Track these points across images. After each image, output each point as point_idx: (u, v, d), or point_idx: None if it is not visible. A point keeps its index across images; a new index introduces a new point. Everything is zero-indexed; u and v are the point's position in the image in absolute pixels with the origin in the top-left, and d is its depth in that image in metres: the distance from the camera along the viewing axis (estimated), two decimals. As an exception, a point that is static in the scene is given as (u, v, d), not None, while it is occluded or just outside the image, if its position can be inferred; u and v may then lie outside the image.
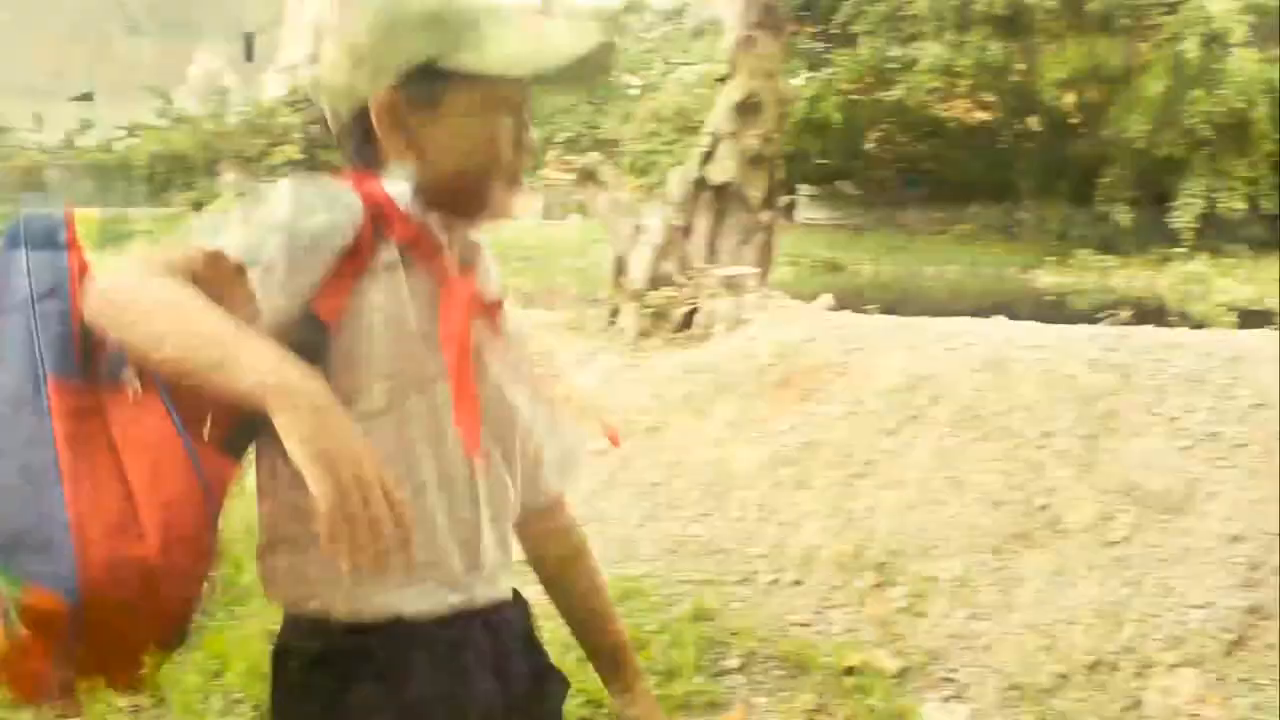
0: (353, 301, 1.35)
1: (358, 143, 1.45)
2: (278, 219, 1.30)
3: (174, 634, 1.34)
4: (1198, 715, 3.36)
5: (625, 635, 1.70)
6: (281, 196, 1.35)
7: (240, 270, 1.26)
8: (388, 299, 1.37)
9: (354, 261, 1.35)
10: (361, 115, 1.42)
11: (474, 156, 1.43)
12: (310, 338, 1.32)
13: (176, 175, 34.78)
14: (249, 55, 44.07)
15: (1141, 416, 4.24)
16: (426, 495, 1.39)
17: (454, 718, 1.42)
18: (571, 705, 1.98)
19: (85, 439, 1.27)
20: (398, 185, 1.42)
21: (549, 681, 1.60)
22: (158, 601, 1.29)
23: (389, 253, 1.37)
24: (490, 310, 1.50)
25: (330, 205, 1.35)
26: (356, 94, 1.43)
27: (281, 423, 1.14)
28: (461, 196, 1.44)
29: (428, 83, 1.40)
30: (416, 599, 1.39)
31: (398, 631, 1.38)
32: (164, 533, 1.26)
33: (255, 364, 1.16)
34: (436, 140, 1.41)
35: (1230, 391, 4.21)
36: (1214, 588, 3.65)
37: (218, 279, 1.26)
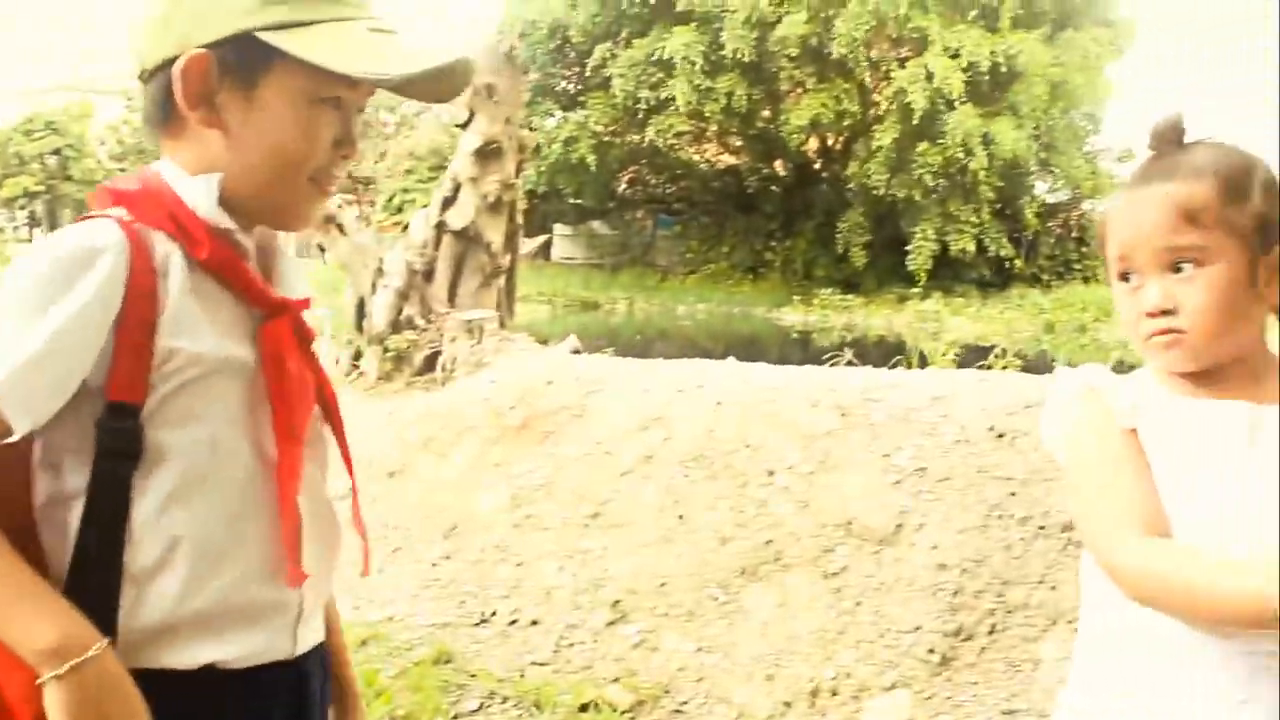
0: (152, 363, 1.26)
1: (159, 110, 1.36)
2: (20, 352, 1.19)
3: None
4: (908, 734, 3.54)
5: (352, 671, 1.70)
6: (17, 303, 1.22)
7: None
8: (191, 339, 1.28)
9: (136, 320, 1.25)
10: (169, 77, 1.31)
11: (284, 152, 1.35)
12: (119, 423, 1.26)
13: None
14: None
15: (857, 453, 4.42)
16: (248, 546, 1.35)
17: None
18: None
19: None
20: (199, 187, 1.33)
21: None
22: None
23: (181, 280, 1.29)
24: (306, 330, 1.45)
25: (80, 278, 1.22)
26: (168, 44, 1.32)
27: (55, 699, 1.14)
28: (264, 196, 1.37)
29: (249, 56, 1.30)
30: (232, 647, 1.35)
31: (210, 679, 1.33)
32: None
33: (31, 631, 1.15)
34: (246, 124, 1.33)
35: (938, 429, 4.44)
36: (922, 613, 3.82)
37: None
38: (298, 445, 1.36)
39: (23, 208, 39.49)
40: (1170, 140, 1.57)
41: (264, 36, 1.30)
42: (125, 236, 1.26)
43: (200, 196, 1.33)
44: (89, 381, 1.25)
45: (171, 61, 1.31)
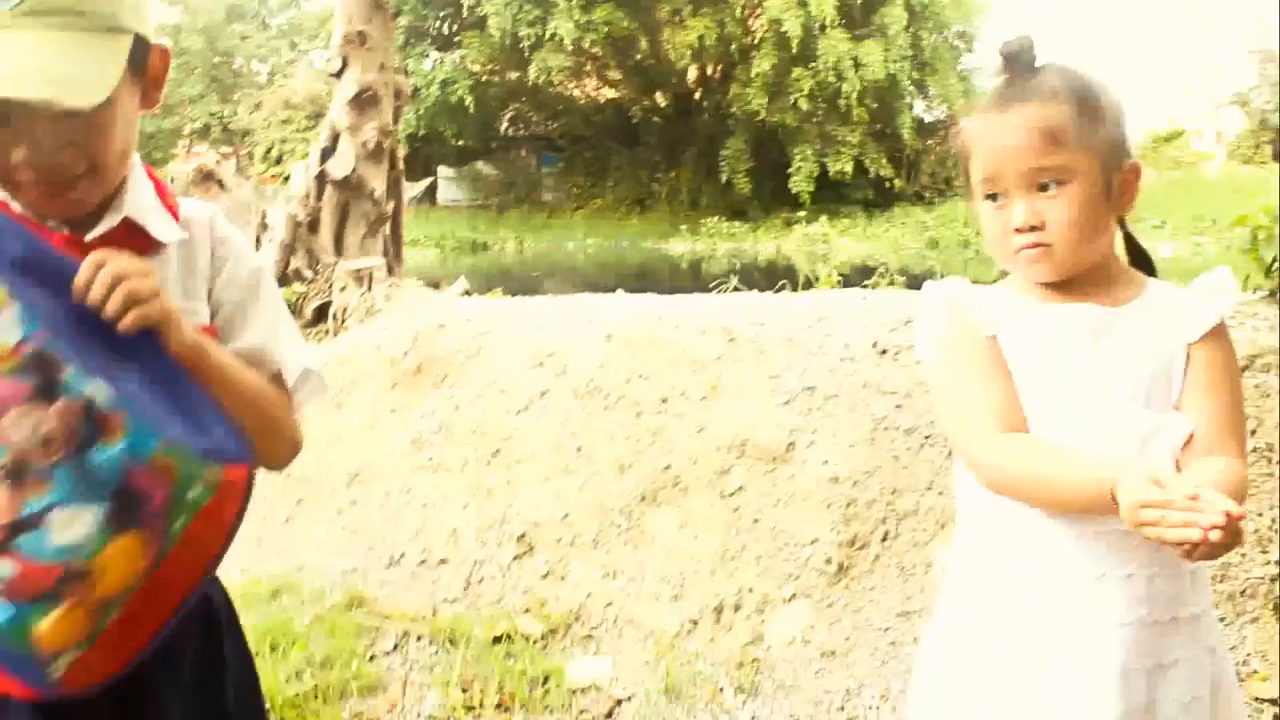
0: None
1: None
2: None
3: None
4: (810, 641, 3.64)
5: None
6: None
7: None
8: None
9: None
10: None
11: None
12: None
13: None
14: None
15: (746, 377, 4.50)
16: None
17: None
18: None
19: None
20: None
21: None
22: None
23: None
24: None
25: None
26: None
27: None
28: None
29: None
30: None
31: None
32: None
33: None
34: None
35: (823, 348, 4.52)
36: (818, 525, 3.90)
37: None
38: None
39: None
40: (1024, 63, 1.64)
41: None
42: None
43: None
44: None
45: None
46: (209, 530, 1.29)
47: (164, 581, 1.28)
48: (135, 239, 1.46)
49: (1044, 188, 1.58)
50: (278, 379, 1.56)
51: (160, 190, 1.54)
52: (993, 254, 1.68)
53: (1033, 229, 1.59)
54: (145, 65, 1.46)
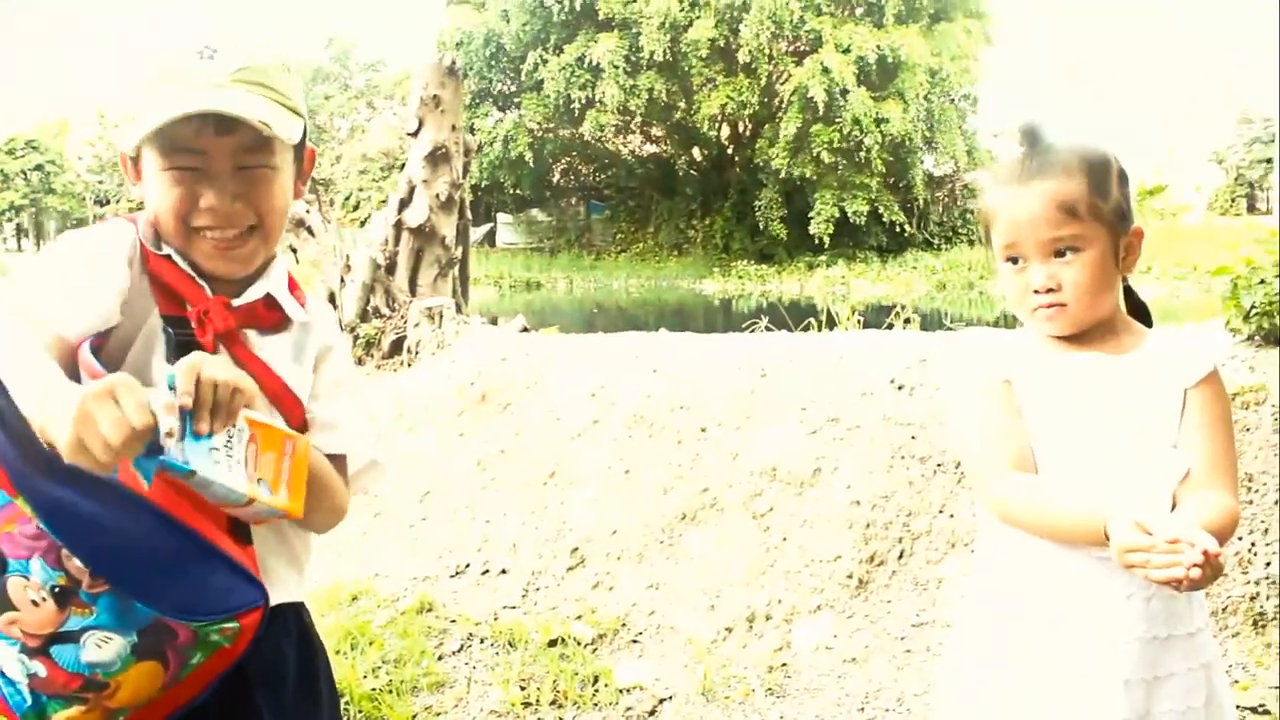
0: None
1: None
2: None
3: None
4: (833, 648, 3.62)
5: None
6: None
7: None
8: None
9: None
10: None
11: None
12: None
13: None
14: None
15: (777, 409, 4.50)
16: None
17: None
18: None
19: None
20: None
21: None
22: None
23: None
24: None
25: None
26: None
27: None
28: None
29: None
30: None
31: None
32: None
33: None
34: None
35: (846, 383, 4.52)
36: (840, 544, 3.90)
37: None
38: None
39: (10, 220, 38.55)
40: (1037, 140, 1.66)
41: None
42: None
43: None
44: None
45: None
46: (222, 661, 1.35)
47: (172, 698, 1.34)
48: (270, 312, 1.54)
49: (1060, 254, 1.60)
50: (339, 461, 1.59)
51: (292, 282, 1.61)
52: (1012, 309, 1.70)
53: (1049, 290, 1.61)
54: (303, 154, 1.56)
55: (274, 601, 1.42)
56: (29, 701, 1.27)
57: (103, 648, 1.25)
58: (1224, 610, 3.38)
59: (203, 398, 1.19)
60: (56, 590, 1.24)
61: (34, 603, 1.24)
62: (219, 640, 1.31)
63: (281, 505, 1.29)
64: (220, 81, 1.41)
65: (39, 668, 1.25)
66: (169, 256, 1.47)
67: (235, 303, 1.50)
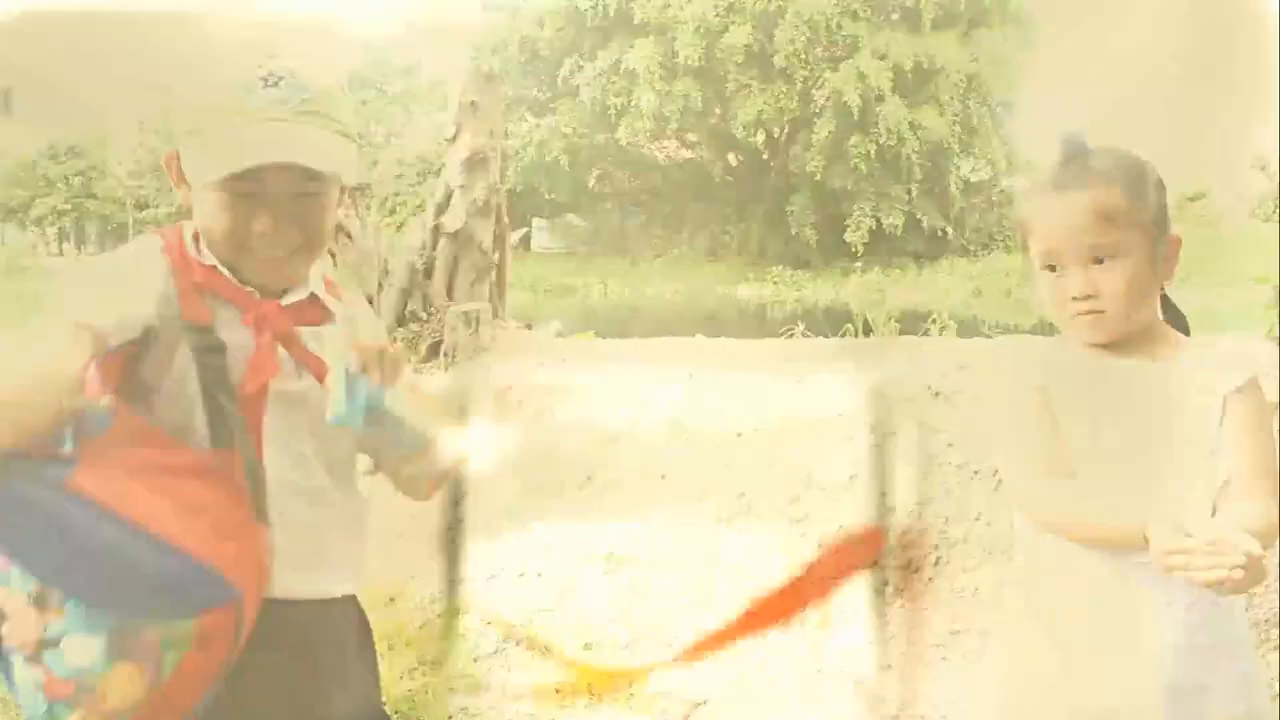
0: None
1: None
2: None
3: None
4: (868, 655, 3.62)
5: None
6: None
7: None
8: None
9: None
10: None
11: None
12: None
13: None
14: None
15: (813, 415, 4.50)
16: None
17: None
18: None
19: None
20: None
21: None
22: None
23: None
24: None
25: None
26: None
27: None
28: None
29: None
30: None
31: None
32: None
33: None
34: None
35: (883, 390, 4.50)
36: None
37: None
38: None
39: (52, 224, 39.08)
40: (1078, 148, 1.67)
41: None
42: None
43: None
44: None
45: None
46: (206, 660, 1.36)
47: (166, 700, 1.35)
48: (314, 308, 1.60)
49: (1098, 260, 1.60)
50: None
51: (328, 280, 1.68)
52: (1050, 316, 1.70)
53: (1088, 297, 1.61)
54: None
55: (328, 595, 1.57)
56: (43, 708, 1.32)
57: (80, 652, 1.29)
58: (1265, 622, 3.35)
59: (377, 356, 1.40)
60: (33, 597, 1.28)
61: (19, 611, 1.29)
62: (187, 637, 1.33)
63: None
64: (285, 117, 1.47)
65: (40, 674, 1.31)
66: (214, 267, 1.52)
67: (283, 303, 1.56)
